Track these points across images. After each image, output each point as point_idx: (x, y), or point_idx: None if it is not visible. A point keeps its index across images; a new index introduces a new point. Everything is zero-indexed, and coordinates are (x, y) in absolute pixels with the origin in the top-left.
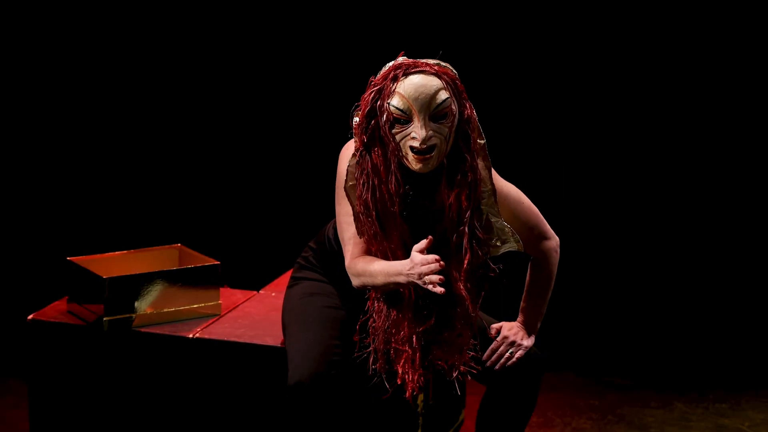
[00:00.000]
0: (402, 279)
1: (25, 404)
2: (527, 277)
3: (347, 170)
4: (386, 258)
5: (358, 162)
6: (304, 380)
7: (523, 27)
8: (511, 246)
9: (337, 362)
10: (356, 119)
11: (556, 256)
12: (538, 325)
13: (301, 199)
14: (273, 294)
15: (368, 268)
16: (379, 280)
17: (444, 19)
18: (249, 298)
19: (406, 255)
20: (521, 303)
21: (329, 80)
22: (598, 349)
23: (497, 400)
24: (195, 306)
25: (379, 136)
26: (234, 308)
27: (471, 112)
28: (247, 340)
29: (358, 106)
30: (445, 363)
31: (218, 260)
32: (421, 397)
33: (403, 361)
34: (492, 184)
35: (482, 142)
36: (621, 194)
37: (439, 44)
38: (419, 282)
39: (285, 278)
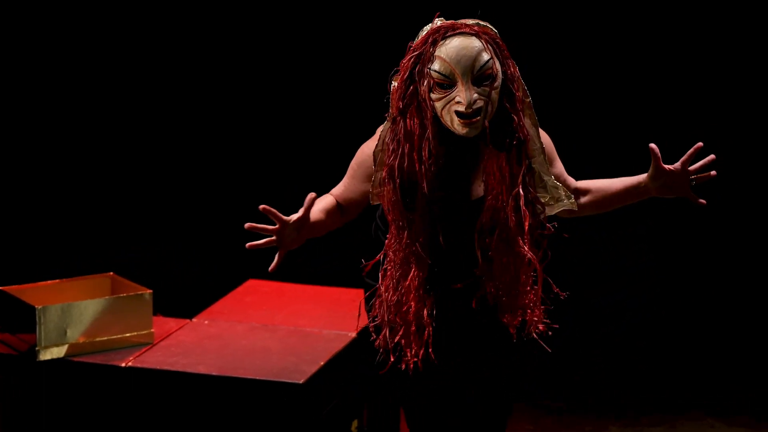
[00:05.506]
0: None
1: None
2: (601, 183)
3: (379, 135)
4: (400, 233)
5: (391, 127)
6: None
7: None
8: (564, 204)
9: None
10: (394, 83)
11: None
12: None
13: (232, 227)
14: (206, 322)
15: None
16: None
17: None
18: (182, 327)
19: (427, 237)
20: (624, 180)
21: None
22: (535, 372)
23: None
24: (128, 335)
25: (417, 102)
26: (167, 336)
27: (514, 69)
28: (180, 369)
29: (397, 71)
30: (517, 321)
31: (150, 288)
32: (355, 423)
33: (403, 333)
34: (540, 142)
35: (528, 100)
36: None
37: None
38: None
39: (217, 306)
